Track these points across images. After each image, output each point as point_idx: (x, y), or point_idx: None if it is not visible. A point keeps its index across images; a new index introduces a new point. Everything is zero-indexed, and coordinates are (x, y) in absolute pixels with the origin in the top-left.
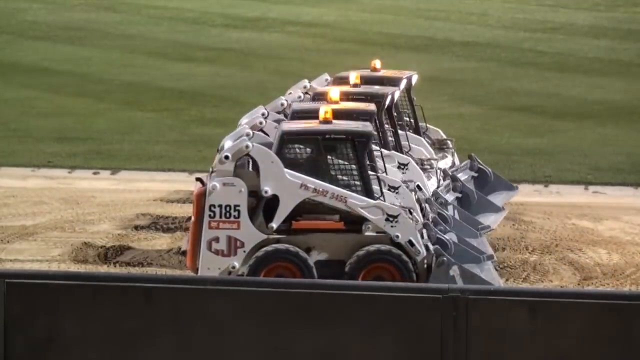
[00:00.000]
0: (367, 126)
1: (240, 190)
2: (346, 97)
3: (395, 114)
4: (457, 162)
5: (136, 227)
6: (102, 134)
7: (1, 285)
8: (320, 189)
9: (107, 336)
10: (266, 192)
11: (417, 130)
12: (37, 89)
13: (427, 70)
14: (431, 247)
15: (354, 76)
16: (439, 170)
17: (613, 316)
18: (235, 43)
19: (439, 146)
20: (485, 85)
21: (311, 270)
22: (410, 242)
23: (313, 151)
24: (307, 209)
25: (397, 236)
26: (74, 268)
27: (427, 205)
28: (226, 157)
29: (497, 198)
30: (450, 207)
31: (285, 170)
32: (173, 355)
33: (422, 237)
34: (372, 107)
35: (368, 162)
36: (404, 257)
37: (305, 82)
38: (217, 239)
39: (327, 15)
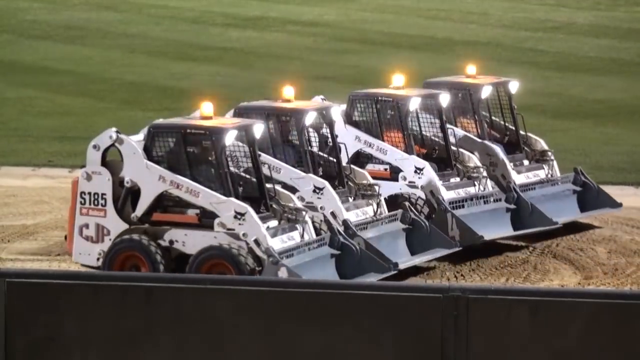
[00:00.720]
0: (238, 123)
1: (107, 179)
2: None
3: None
4: (557, 173)
5: None
6: None
7: (2, 284)
8: (176, 183)
9: (108, 336)
10: (127, 182)
11: (517, 140)
12: (38, 88)
13: (427, 69)
14: (264, 248)
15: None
16: (484, 179)
17: (614, 316)
18: (235, 42)
19: (539, 157)
20: None
21: (155, 261)
22: (256, 241)
23: (176, 145)
24: (175, 201)
25: (244, 234)
26: (74, 267)
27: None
28: (94, 147)
29: (593, 214)
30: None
31: (147, 162)
32: (173, 354)
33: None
34: (301, 106)
35: (227, 158)
36: (234, 251)
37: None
38: (87, 226)
39: (327, 15)
